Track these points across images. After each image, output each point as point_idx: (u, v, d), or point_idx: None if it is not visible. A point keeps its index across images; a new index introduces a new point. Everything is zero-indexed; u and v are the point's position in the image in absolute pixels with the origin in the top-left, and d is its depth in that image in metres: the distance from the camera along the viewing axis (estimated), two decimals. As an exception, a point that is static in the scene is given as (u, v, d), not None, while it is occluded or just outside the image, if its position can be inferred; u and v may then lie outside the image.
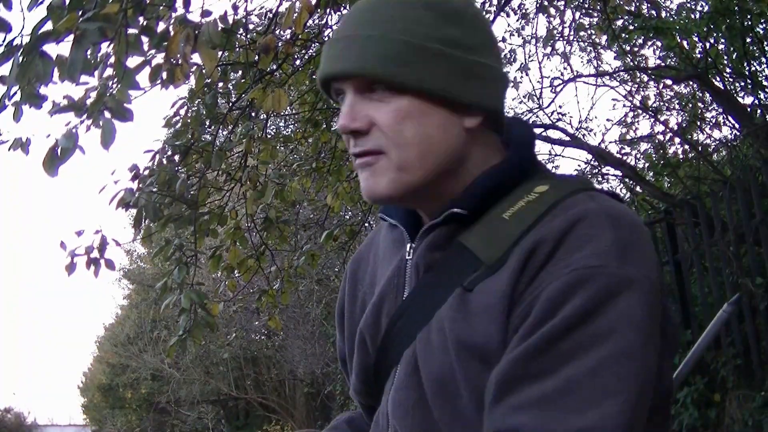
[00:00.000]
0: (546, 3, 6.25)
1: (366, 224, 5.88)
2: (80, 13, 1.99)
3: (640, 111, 7.28)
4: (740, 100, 6.35)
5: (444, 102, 0.95)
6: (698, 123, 7.05)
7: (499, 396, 0.84)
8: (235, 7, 3.53)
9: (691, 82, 6.56)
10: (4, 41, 1.99)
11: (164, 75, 2.57)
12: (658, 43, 6.65)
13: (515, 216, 0.93)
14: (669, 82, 6.98)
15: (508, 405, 0.82)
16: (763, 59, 6.14)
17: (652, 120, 7.34)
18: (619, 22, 6.34)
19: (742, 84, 6.43)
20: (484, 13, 5.88)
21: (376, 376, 1.03)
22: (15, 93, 2.07)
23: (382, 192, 0.96)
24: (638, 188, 7.06)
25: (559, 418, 0.79)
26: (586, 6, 6.50)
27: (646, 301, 0.85)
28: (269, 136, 4.68)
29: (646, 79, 7.27)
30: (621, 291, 0.84)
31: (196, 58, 2.56)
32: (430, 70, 0.94)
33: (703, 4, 6.18)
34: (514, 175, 0.98)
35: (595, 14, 6.55)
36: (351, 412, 1.22)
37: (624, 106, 7.27)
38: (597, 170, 7.16)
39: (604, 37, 6.76)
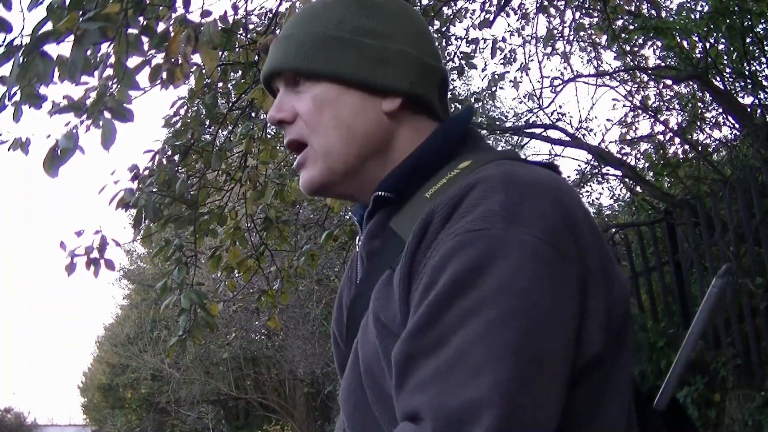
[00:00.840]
0: (546, 3, 6.25)
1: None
2: (80, 13, 1.99)
3: (640, 111, 7.28)
4: (740, 100, 6.35)
5: (358, 87, 0.99)
6: (698, 123, 7.05)
7: (400, 377, 0.81)
8: (235, 7, 3.53)
9: (691, 82, 6.56)
10: (4, 41, 1.99)
11: (164, 75, 2.57)
12: (658, 43, 6.65)
13: (436, 194, 0.93)
14: (669, 82, 6.99)
15: (407, 387, 0.80)
16: (763, 59, 6.14)
17: (652, 120, 7.34)
18: (619, 22, 6.34)
19: (742, 84, 6.43)
20: (484, 13, 5.88)
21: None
22: (15, 93, 2.07)
23: (314, 181, 1.01)
24: (638, 188, 7.06)
25: (450, 392, 0.75)
26: (586, 6, 6.50)
27: (538, 262, 0.79)
28: (269, 136, 4.68)
29: (646, 79, 7.28)
30: (505, 252, 0.79)
31: (196, 58, 2.56)
32: (339, 57, 0.99)
33: (703, 4, 6.19)
34: (437, 153, 0.98)
35: (595, 14, 6.55)
36: None
37: (624, 106, 7.28)
38: (597, 170, 7.17)
39: (604, 37, 6.76)
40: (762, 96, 6.26)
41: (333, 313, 1.13)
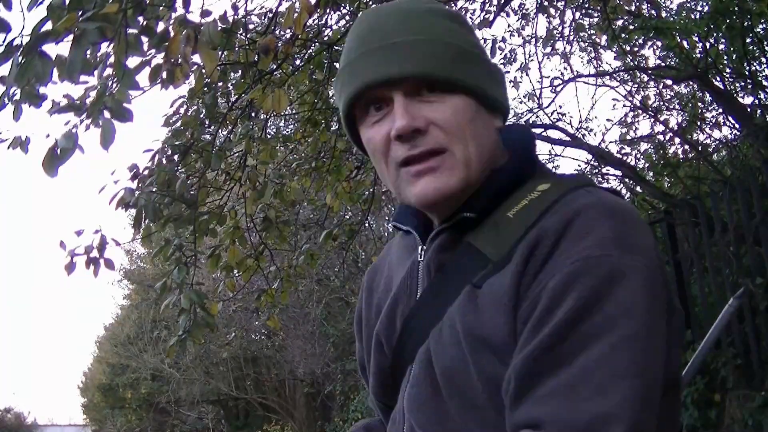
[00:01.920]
0: (546, 3, 6.24)
1: (365, 224, 5.88)
2: (80, 13, 1.99)
3: (640, 111, 7.28)
4: (740, 100, 6.35)
5: (484, 102, 1.01)
6: (698, 123, 7.05)
7: (519, 393, 0.86)
8: (235, 7, 3.53)
9: (691, 82, 6.56)
10: (3, 41, 1.99)
11: (164, 75, 2.56)
12: (658, 43, 6.65)
13: (519, 214, 0.96)
14: (669, 82, 6.99)
15: (528, 400, 0.85)
16: (763, 59, 6.14)
17: (652, 120, 7.35)
18: (619, 22, 6.34)
19: (742, 84, 6.43)
20: (484, 13, 5.89)
21: (393, 376, 1.06)
22: (15, 92, 2.07)
23: (447, 188, 0.97)
24: (638, 188, 7.06)
25: (578, 407, 0.81)
26: (586, 6, 6.49)
27: (648, 288, 0.87)
28: (269, 136, 4.68)
29: (646, 79, 7.28)
30: (623, 278, 0.86)
31: (196, 58, 2.56)
32: (476, 71, 1.00)
33: (703, 4, 6.19)
34: (518, 176, 1.02)
35: (595, 14, 6.54)
36: (368, 420, 1.25)
37: (624, 106, 7.28)
38: (597, 170, 7.16)
39: (604, 37, 6.76)
40: (762, 96, 6.26)
41: (369, 317, 1.15)
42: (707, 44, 5.90)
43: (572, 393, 0.82)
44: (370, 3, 4.46)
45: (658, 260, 0.91)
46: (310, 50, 4.34)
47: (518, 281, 0.91)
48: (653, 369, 0.85)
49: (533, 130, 7.02)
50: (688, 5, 6.36)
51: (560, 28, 6.60)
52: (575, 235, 0.89)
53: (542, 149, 6.92)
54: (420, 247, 1.06)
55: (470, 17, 6.09)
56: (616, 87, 7.15)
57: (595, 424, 0.80)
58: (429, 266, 1.03)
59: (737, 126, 6.42)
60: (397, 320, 1.06)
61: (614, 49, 6.84)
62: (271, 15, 3.89)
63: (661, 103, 7.44)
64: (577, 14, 6.44)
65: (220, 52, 3.17)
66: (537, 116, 7.05)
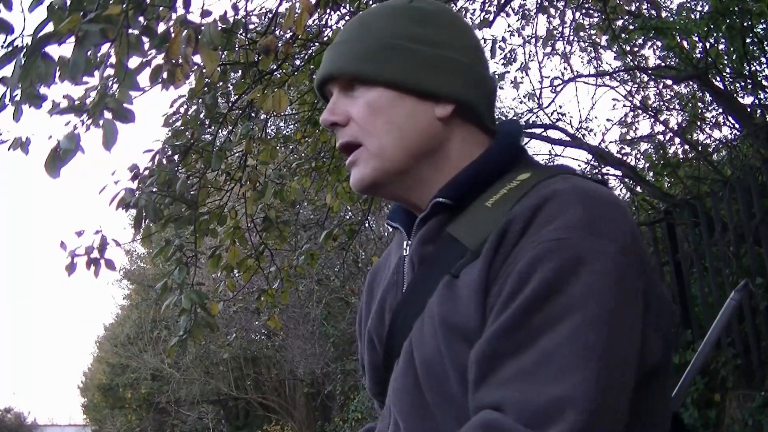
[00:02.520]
0: (546, 3, 6.24)
1: (365, 224, 5.88)
2: (82, 14, 1.99)
3: (640, 111, 7.28)
4: (740, 100, 6.35)
5: (411, 92, 1.03)
6: (698, 123, 7.05)
7: (480, 375, 0.86)
8: (235, 7, 3.53)
9: (691, 82, 6.56)
10: (5, 42, 1.99)
11: (165, 75, 2.57)
12: (658, 43, 6.66)
13: (497, 203, 0.97)
14: (669, 82, 6.99)
15: (489, 383, 0.85)
16: (763, 59, 6.14)
17: (652, 120, 7.35)
18: (619, 22, 6.34)
19: (742, 84, 6.43)
20: (484, 13, 5.89)
21: (385, 373, 1.06)
22: (16, 93, 2.07)
23: (366, 179, 1.04)
24: (638, 188, 7.06)
25: (537, 390, 0.81)
26: (586, 6, 6.50)
27: (615, 272, 0.86)
28: (269, 136, 4.68)
29: (646, 79, 7.28)
30: (588, 261, 0.85)
31: (196, 58, 2.56)
32: (393, 63, 1.03)
33: (703, 4, 6.19)
34: (497, 165, 1.03)
35: (595, 14, 6.55)
36: (372, 424, 1.25)
37: (624, 106, 7.29)
38: (597, 170, 7.16)
39: (604, 37, 6.76)
40: (762, 96, 6.26)
41: (371, 316, 1.15)
42: (707, 44, 5.90)
43: (532, 376, 0.82)
44: (370, 3, 4.46)
45: (633, 245, 0.89)
46: (310, 50, 4.34)
47: (488, 267, 0.91)
48: (618, 353, 0.83)
49: (533, 130, 7.04)
50: (688, 5, 6.36)
51: (560, 28, 6.61)
52: (543, 220, 0.89)
53: (542, 149, 6.93)
54: (405, 242, 1.08)
55: (470, 17, 6.09)
56: (616, 87, 7.15)
57: (552, 407, 0.79)
58: (413, 259, 1.04)
59: (737, 126, 6.42)
60: (386, 316, 1.07)
61: (614, 49, 6.85)
62: (271, 15, 3.90)
63: (661, 103, 7.45)
64: (577, 14, 6.45)
65: (220, 52, 3.17)
66: (537, 116, 7.05)
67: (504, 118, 9.41)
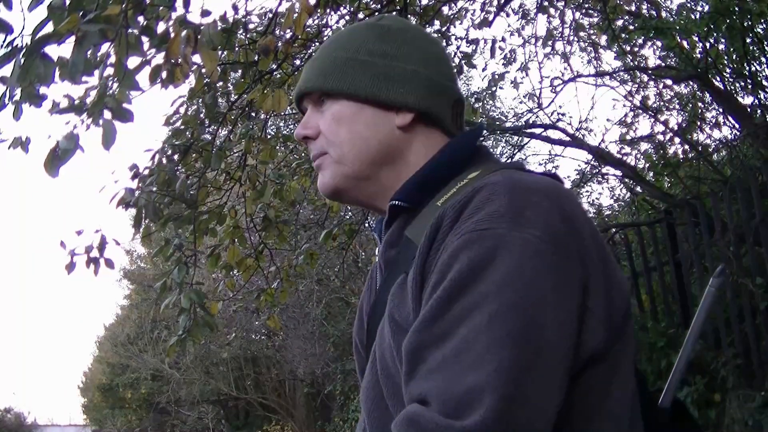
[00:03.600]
0: (546, 3, 6.24)
1: (365, 224, 5.88)
2: (81, 14, 1.99)
3: (640, 111, 7.28)
4: (740, 100, 6.35)
5: (372, 103, 1.08)
6: (698, 123, 7.05)
7: (409, 368, 0.87)
8: (235, 7, 3.53)
9: (691, 82, 6.56)
10: (5, 42, 1.99)
11: (164, 75, 2.57)
12: (658, 43, 6.65)
13: (446, 201, 0.99)
14: (669, 82, 6.99)
15: (416, 375, 0.86)
16: (763, 59, 6.14)
17: (652, 120, 7.34)
18: (619, 22, 6.34)
19: (742, 84, 6.43)
20: (484, 13, 5.88)
21: None
22: (16, 93, 2.07)
23: (328, 184, 1.10)
24: (638, 188, 7.06)
25: (456, 379, 0.81)
26: (586, 6, 6.50)
27: (538, 259, 0.85)
28: (269, 136, 4.68)
29: (646, 79, 7.27)
30: (508, 250, 0.85)
31: (196, 58, 2.56)
32: (354, 77, 1.08)
33: (703, 4, 6.19)
34: (448, 165, 1.05)
35: (595, 14, 6.55)
36: None
37: (624, 106, 7.28)
38: (597, 170, 7.17)
39: (604, 37, 6.76)
40: (762, 96, 6.26)
41: (354, 323, 1.19)
42: (707, 44, 5.90)
43: (453, 365, 0.82)
44: (370, 3, 4.46)
45: (564, 234, 0.88)
46: (310, 50, 4.34)
47: (423, 261, 0.93)
48: (539, 339, 0.82)
49: (533, 130, 7.04)
50: (688, 5, 6.36)
51: (560, 28, 6.61)
52: (470, 212, 0.90)
53: (542, 149, 6.93)
54: (378, 248, 1.12)
55: (470, 17, 6.09)
56: (616, 87, 7.15)
57: (470, 395, 0.80)
58: (381, 264, 1.08)
59: (737, 126, 6.42)
60: (364, 321, 1.10)
61: (614, 49, 6.85)
62: (271, 15, 3.90)
63: (661, 103, 7.45)
64: (577, 14, 6.45)
65: (220, 52, 3.17)
66: (537, 116, 7.05)
67: (504, 119, 9.40)
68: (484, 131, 6.70)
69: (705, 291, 1.14)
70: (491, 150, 1.14)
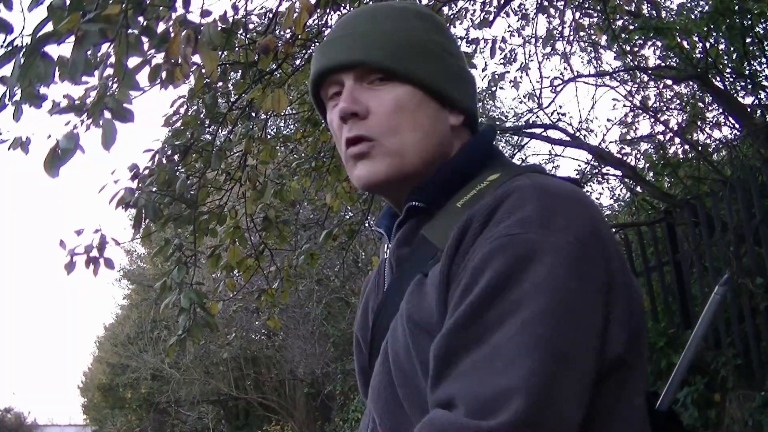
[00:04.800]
0: (546, 3, 6.24)
1: (365, 224, 5.88)
2: (81, 14, 1.99)
3: (640, 111, 7.28)
4: (740, 100, 6.35)
5: (437, 97, 1.04)
6: (698, 123, 7.05)
7: (436, 372, 0.87)
8: (235, 7, 3.53)
9: (691, 82, 6.56)
10: (4, 42, 1.99)
11: (163, 75, 2.57)
12: (658, 43, 6.65)
13: (467, 203, 0.99)
14: (669, 82, 6.99)
15: (444, 379, 0.86)
16: (763, 59, 6.14)
17: (652, 120, 7.35)
18: (619, 22, 6.34)
19: (742, 84, 6.43)
20: (484, 13, 5.89)
21: (370, 373, 1.07)
22: (16, 93, 2.07)
23: (381, 176, 1.02)
24: (638, 188, 7.07)
25: (486, 381, 0.81)
26: (586, 6, 6.50)
27: (570, 265, 0.85)
28: (269, 136, 4.68)
29: (646, 79, 7.28)
30: (540, 255, 0.85)
31: (195, 58, 2.56)
32: (429, 66, 1.03)
33: (703, 4, 6.19)
34: (467, 167, 1.04)
35: (595, 14, 6.55)
36: None
37: (624, 106, 7.29)
38: (597, 170, 7.16)
39: (604, 37, 6.76)
40: (762, 96, 6.27)
41: (357, 320, 1.17)
42: (707, 44, 5.90)
43: (482, 369, 0.82)
44: (370, 2, 4.46)
45: (592, 239, 0.89)
46: (310, 50, 4.34)
47: (450, 264, 0.92)
48: (570, 344, 0.83)
49: (533, 130, 7.04)
50: (688, 5, 6.36)
51: (560, 28, 6.61)
52: (500, 216, 0.89)
53: (542, 149, 6.93)
54: (386, 245, 1.10)
55: (470, 17, 6.10)
56: (616, 87, 7.16)
57: (499, 397, 0.79)
58: (391, 262, 1.06)
59: (737, 126, 6.42)
60: (369, 318, 1.09)
61: (614, 49, 6.85)
62: (271, 15, 3.90)
63: (661, 103, 7.45)
64: (577, 14, 6.45)
65: (220, 52, 3.17)
66: (537, 116, 7.06)
67: (504, 119, 9.40)
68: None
69: (709, 299, 1.15)
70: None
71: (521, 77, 7.82)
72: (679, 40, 5.95)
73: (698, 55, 6.09)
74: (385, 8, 1.08)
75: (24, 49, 1.93)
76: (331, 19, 4.32)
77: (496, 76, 6.80)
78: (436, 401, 0.85)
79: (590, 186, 8.01)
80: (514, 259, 0.85)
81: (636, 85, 7.37)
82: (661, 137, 7.36)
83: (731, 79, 6.44)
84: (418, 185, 1.03)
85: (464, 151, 1.06)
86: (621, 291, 0.91)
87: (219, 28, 2.60)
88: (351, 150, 1.03)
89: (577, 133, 7.22)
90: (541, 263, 0.84)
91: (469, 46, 6.10)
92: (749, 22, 5.57)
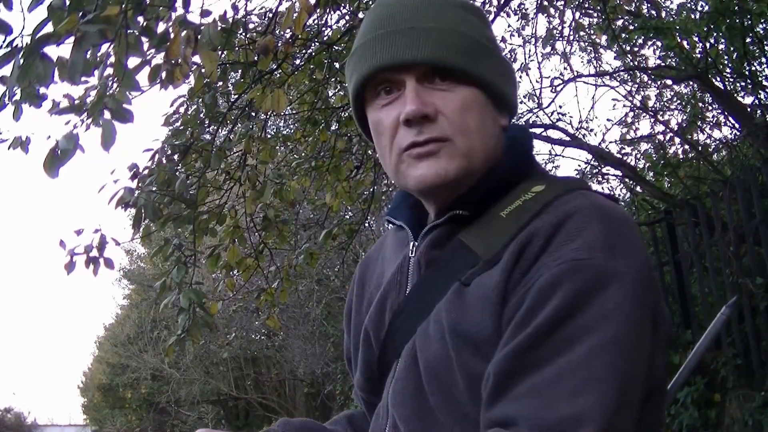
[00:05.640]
0: (546, 3, 6.24)
1: (365, 224, 5.88)
2: (80, 14, 1.99)
3: (640, 111, 7.28)
4: (740, 100, 6.35)
5: (494, 97, 1.02)
6: (698, 123, 7.05)
7: (496, 390, 0.86)
8: (235, 7, 3.53)
9: (691, 82, 6.56)
10: (4, 42, 1.99)
11: (163, 75, 2.56)
12: (658, 43, 6.65)
13: (512, 214, 0.97)
14: (669, 82, 6.99)
15: (504, 398, 0.85)
16: (763, 59, 6.14)
17: (652, 120, 7.35)
18: (619, 22, 6.34)
19: (742, 84, 6.43)
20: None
21: (379, 371, 1.06)
22: (15, 93, 2.07)
23: (450, 176, 0.98)
24: (638, 188, 7.06)
25: (550, 406, 0.81)
26: (586, 6, 6.50)
27: (633, 294, 0.86)
28: (269, 136, 4.68)
29: (646, 79, 7.27)
30: (608, 283, 0.86)
31: (195, 58, 2.56)
32: (490, 65, 1.01)
33: (703, 4, 6.19)
34: (512, 176, 1.02)
35: (595, 14, 6.54)
36: (351, 411, 1.25)
37: (624, 106, 7.28)
38: (597, 170, 7.16)
39: (604, 37, 6.76)
40: (762, 96, 6.26)
41: (360, 311, 1.14)
42: (707, 44, 5.90)
43: (547, 393, 0.82)
44: (370, 3, 4.46)
45: (647, 266, 0.91)
46: (310, 50, 4.34)
47: (506, 280, 0.91)
48: (633, 374, 0.84)
49: (533, 130, 7.04)
50: (688, 5, 6.36)
51: (560, 28, 6.61)
52: (564, 238, 0.89)
53: (542, 149, 6.93)
54: (411, 243, 1.06)
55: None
56: (616, 87, 7.15)
57: (566, 423, 0.80)
58: (419, 262, 1.03)
59: (737, 126, 6.42)
60: (386, 315, 1.06)
61: (614, 49, 6.84)
62: (271, 15, 3.90)
63: (661, 103, 7.45)
64: (577, 14, 6.44)
65: (220, 52, 3.17)
66: (537, 116, 7.05)
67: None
68: None
69: (716, 317, 1.17)
70: None
71: (521, 77, 7.80)
72: (679, 40, 5.95)
73: (698, 55, 6.09)
74: (432, 3, 1.02)
75: (24, 50, 1.93)
76: (331, 18, 4.33)
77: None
78: (494, 420, 0.85)
79: (590, 186, 8.00)
80: (582, 284, 0.86)
81: (636, 85, 7.37)
82: (661, 137, 7.36)
83: (731, 79, 6.44)
84: (465, 193, 1.01)
85: (510, 158, 1.03)
86: (662, 317, 0.93)
87: (219, 28, 2.60)
88: (416, 150, 0.98)
89: (577, 133, 7.22)
90: (609, 290, 0.85)
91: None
92: (749, 22, 5.57)
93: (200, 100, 3.68)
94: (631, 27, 6.31)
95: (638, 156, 7.45)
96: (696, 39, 5.97)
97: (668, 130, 7.24)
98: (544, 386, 0.83)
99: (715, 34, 5.82)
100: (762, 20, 5.77)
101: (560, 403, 0.81)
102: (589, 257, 0.87)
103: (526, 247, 0.91)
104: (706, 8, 5.88)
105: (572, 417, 0.80)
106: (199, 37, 2.41)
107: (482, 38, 1.02)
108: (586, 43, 7.30)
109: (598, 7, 6.11)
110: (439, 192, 1.01)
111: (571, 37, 6.82)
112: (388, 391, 1.02)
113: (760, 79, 6.21)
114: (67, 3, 2.05)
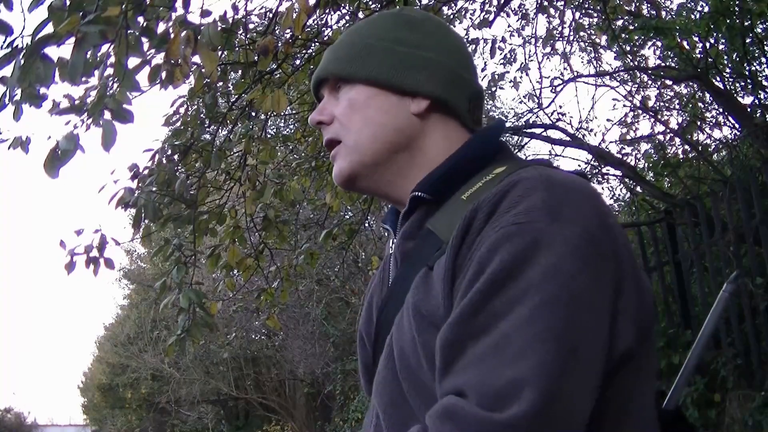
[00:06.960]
0: (546, 3, 6.24)
1: (365, 224, 5.88)
2: (81, 15, 1.99)
3: (640, 111, 7.28)
4: (740, 100, 6.35)
5: (388, 89, 1.08)
6: (698, 123, 7.05)
7: (444, 362, 0.86)
8: (235, 7, 3.53)
9: (691, 82, 6.56)
10: (5, 43, 1.99)
11: (163, 75, 2.57)
12: (658, 43, 6.65)
13: (472, 196, 0.99)
14: (669, 82, 6.99)
15: (452, 369, 0.85)
16: (763, 59, 6.14)
17: (652, 120, 7.34)
18: (619, 22, 6.34)
19: (742, 84, 6.43)
20: (484, 13, 5.89)
21: (374, 369, 1.06)
22: (16, 93, 2.07)
23: (343, 172, 1.09)
24: (638, 188, 7.06)
25: (496, 373, 0.81)
26: (586, 6, 6.50)
27: (576, 255, 0.85)
28: (269, 136, 4.68)
29: (646, 79, 7.27)
30: (546, 245, 0.84)
31: (195, 58, 2.56)
32: (372, 62, 1.08)
33: (703, 4, 6.18)
34: (473, 160, 1.05)
35: (595, 14, 6.55)
36: None
37: (624, 106, 7.28)
38: (597, 170, 7.16)
39: (604, 37, 6.76)
40: (762, 96, 6.26)
41: (361, 316, 1.17)
42: (707, 44, 5.90)
43: (492, 359, 0.82)
44: (370, 3, 4.46)
45: (600, 232, 0.88)
46: (310, 50, 4.34)
47: (455, 255, 0.91)
48: (578, 334, 0.82)
49: (533, 130, 7.04)
50: (688, 5, 6.35)
51: (560, 28, 6.61)
52: (506, 206, 0.89)
53: (542, 149, 6.93)
54: (391, 240, 1.11)
55: (470, 17, 6.10)
56: (616, 87, 7.15)
57: (510, 388, 0.79)
58: (396, 256, 1.06)
59: (737, 126, 6.42)
60: (374, 313, 1.08)
61: (614, 49, 6.84)
62: (271, 15, 3.90)
63: (661, 103, 7.45)
64: (577, 14, 6.45)
65: (220, 52, 3.17)
66: (537, 116, 7.05)
67: (504, 119, 9.41)
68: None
69: (719, 295, 1.15)
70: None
71: (521, 77, 7.81)
72: (679, 40, 5.95)
73: (698, 55, 6.09)
74: (364, 20, 1.17)
75: (24, 51, 1.93)
76: (330, 18, 4.33)
77: (496, 77, 6.80)
78: (445, 392, 0.85)
79: (590, 186, 7.99)
80: (521, 247, 0.85)
81: (636, 85, 7.37)
82: (661, 137, 7.36)
83: (731, 79, 6.44)
84: (422, 180, 1.04)
85: (470, 144, 1.07)
86: (630, 284, 0.90)
87: (219, 29, 2.60)
88: (331, 155, 1.11)
89: (577, 133, 7.22)
90: (548, 252, 0.84)
91: (469, 46, 6.09)
92: (749, 22, 5.57)
93: (200, 100, 3.68)
94: (631, 27, 6.31)
95: (638, 156, 7.46)
96: (696, 39, 5.97)
97: (668, 130, 7.24)
98: (488, 352, 0.82)
99: (715, 34, 5.82)
100: (762, 20, 5.77)
101: (504, 368, 0.80)
102: (528, 221, 0.86)
103: (472, 222, 0.92)
104: (706, 8, 5.88)
105: (516, 380, 0.79)
106: (199, 37, 2.41)
107: (376, 40, 1.09)
108: (586, 43, 7.31)
109: (598, 7, 6.12)
110: (362, 187, 1.12)
111: (571, 37, 6.83)
112: (374, 384, 1.04)
113: (760, 79, 6.21)
114: (68, 3, 2.05)
